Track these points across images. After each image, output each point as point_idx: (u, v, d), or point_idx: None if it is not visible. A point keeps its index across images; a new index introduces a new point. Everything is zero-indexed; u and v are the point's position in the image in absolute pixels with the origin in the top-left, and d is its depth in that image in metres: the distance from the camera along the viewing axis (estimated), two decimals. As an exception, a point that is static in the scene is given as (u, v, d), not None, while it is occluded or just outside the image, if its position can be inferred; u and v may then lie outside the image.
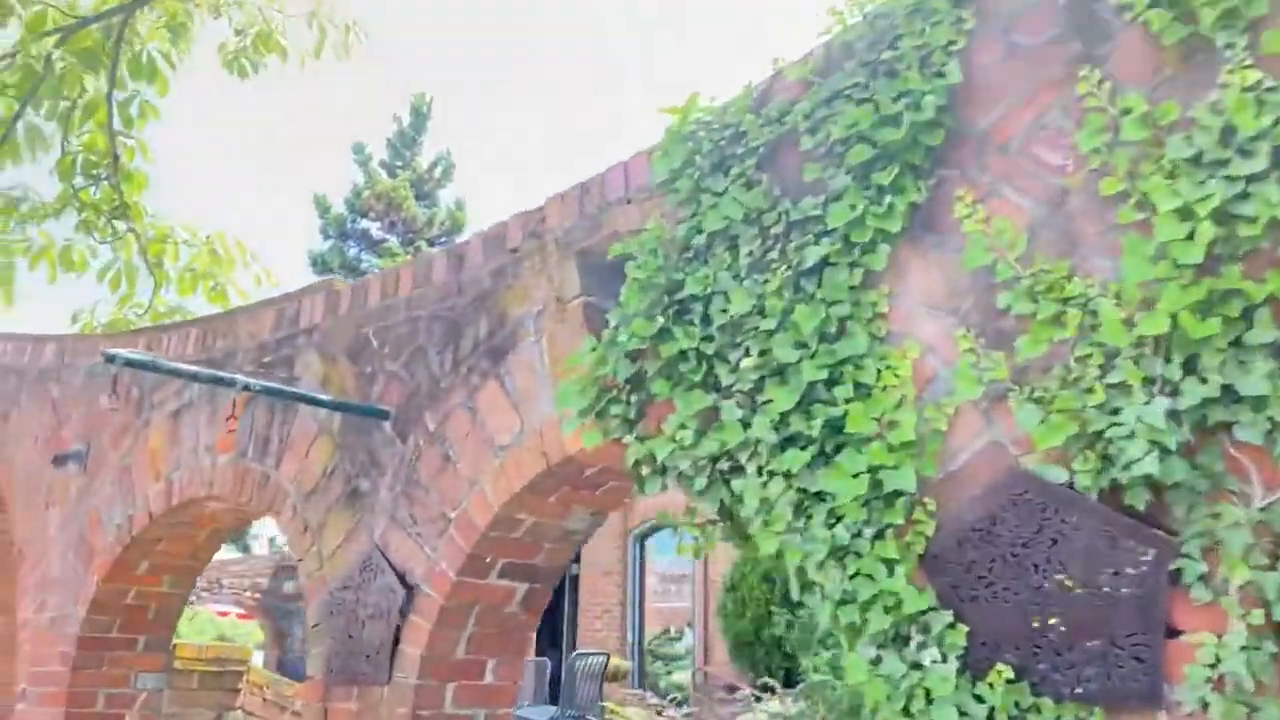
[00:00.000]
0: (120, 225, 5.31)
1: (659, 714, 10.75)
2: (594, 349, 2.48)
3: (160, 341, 4.54)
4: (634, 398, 2.43)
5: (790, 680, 9.18)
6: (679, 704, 11.44)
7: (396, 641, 2.96)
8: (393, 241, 15.17)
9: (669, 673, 13.01)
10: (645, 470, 2.42)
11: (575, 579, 14.90)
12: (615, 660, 11.65)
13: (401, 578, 3.01)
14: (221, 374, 3.08)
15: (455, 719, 2.99)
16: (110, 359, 2.71)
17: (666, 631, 13.62)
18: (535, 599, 3.19)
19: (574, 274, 2.68)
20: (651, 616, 13.95)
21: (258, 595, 18.44)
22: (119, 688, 4.50)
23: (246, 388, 3.04)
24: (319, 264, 15.67)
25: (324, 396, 3.29)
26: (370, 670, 2.98)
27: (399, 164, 13.29)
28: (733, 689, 10.75)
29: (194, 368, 3.09)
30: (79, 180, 5.42)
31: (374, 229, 13.34)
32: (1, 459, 5.49)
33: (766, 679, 8.79)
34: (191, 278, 5.76)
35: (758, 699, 7.60)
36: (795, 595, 2.10)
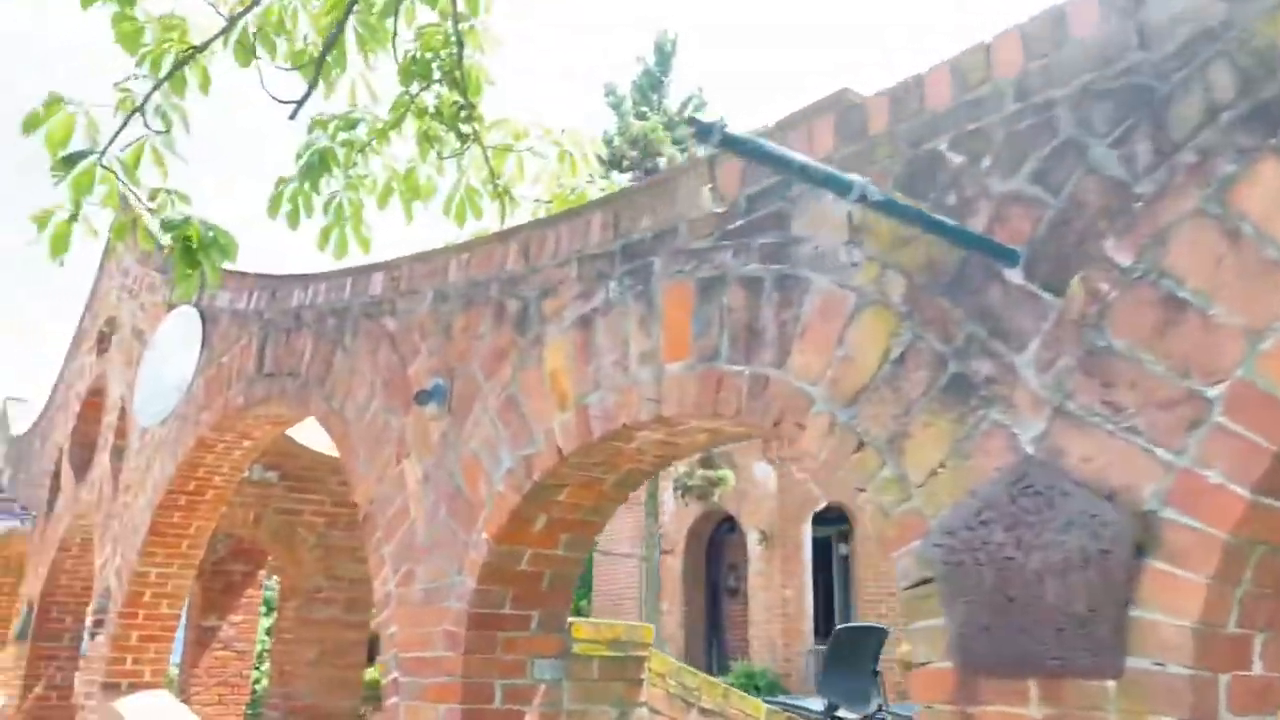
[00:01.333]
0: (465, 130, 4.44)
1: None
2: None
3: (542, 240, 3.57)
4: None
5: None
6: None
7: (1124, 604, 1.77)
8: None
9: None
10: None
11: (846, 559, 13.61)
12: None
13: (1109, 500, 1.83)
14: (836, 173, 1.97)
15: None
16: (705, 131, 1.63)
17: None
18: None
19: None
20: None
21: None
22: (515, 677, 3.57)
23: (863, 197, 1.91)
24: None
25: (950, 223, 2.13)
26: (1071, 653, 1.81)
27: (645, 108, 12.40)
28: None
29: (806, 159, 2.00)
30: (414, 88, 4.58)
31: (626, 179, 12.45)
32: (330, 411, 4.74)
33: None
34: (545, 195, 4.84)
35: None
36: None
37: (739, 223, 2.77)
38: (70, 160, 4.11)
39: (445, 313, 4.04)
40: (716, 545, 14.98)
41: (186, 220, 4.48)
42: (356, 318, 4.72)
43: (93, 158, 4.15)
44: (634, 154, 11.36)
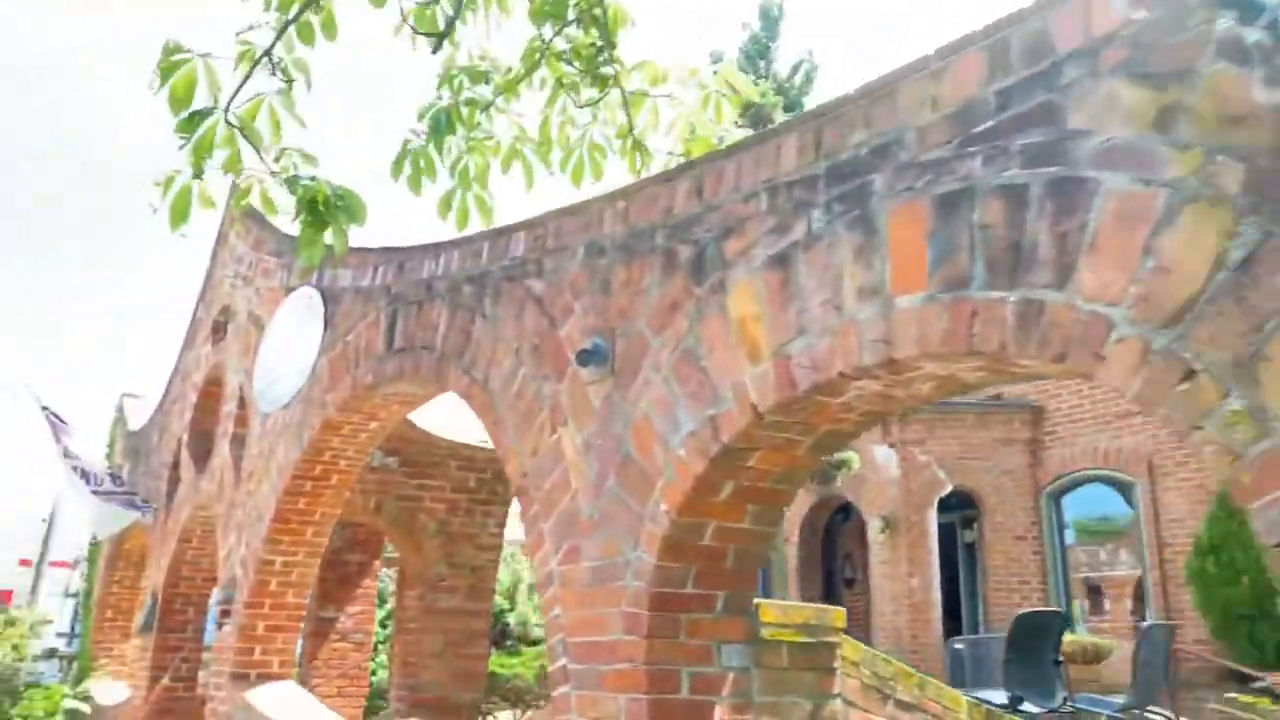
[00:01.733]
0: (606, 72, 4.08)
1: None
2: None
3: (718, 174, 3.18)
4: None
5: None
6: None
7: None
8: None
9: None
10: None
11: (971, 546, 12.97)
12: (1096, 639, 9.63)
13: None
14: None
15: None
16: None
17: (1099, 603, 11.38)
18: None
19: None
20: (1075, 587, 11.76)
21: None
22: (701, 665, 3.19)
23: (1275, 23, 1.47)
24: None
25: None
26: None
27: (753, 75, 11.96)
28: (1247, 678, 8.44)
29: None
30: (547, 31, 4.23)
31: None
32: (471, 382, 4.43)
33: None
34: (685, 145, 4.46)
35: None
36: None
37: (988, 124, 2.33)
38: (194, 119, 3.86)
39: (602, 267, 3.68)
40: (830, 534, 14.46)
41: (313, 182, 4.22)
42: (497, 282, 4.40)
43: (216, 115, 3.91)
44: (744, 120, 10.92)
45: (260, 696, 6.40)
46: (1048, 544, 11.61)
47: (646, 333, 3.36)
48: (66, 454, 9.98)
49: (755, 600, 3.35)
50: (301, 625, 6.98)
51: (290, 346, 6.81)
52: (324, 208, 4.20)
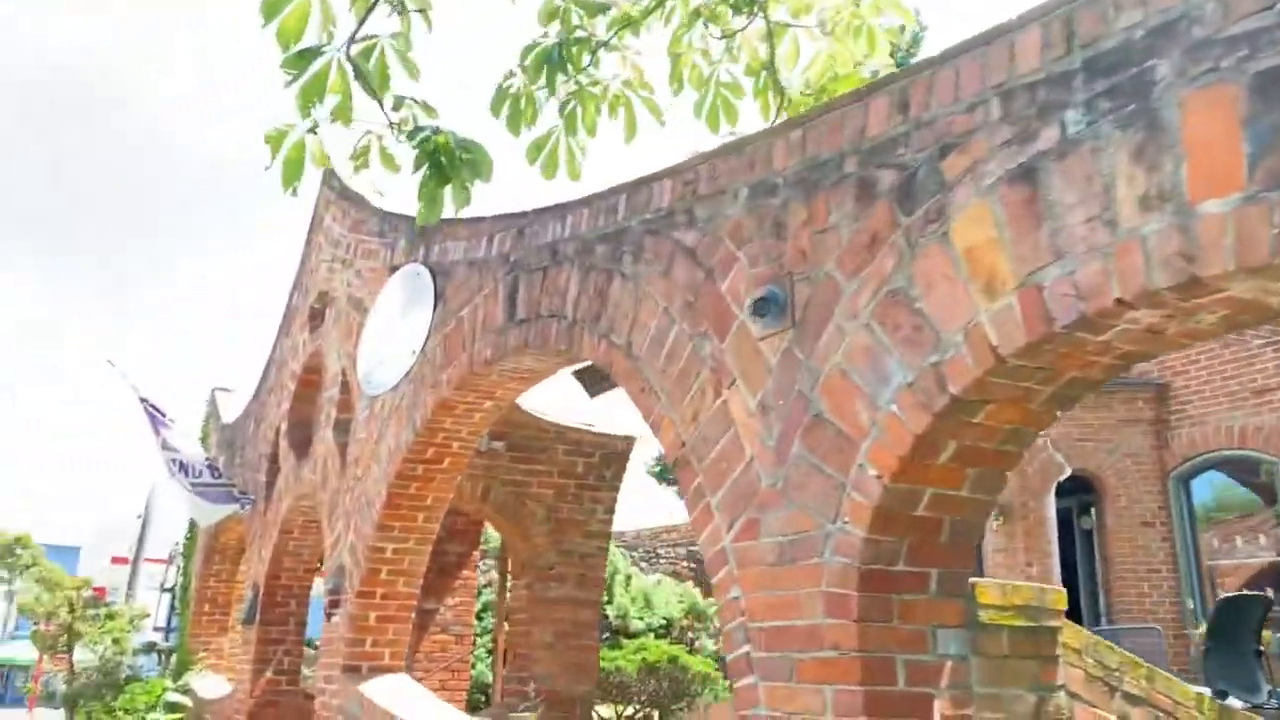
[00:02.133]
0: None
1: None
2: None
3: (928, 86, 2.75)
4: None
5: None
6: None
7: None
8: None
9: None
10: None
11: (1089, 533, 12.27)
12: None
13: None
14: None
15: None
16: None
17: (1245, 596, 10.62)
18: None
19: None
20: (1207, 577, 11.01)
21: (693, 564, 17.48)
22: (916, 652, 2.77)
23: None
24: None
25: None
26: None
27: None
28: None
29: None
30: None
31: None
32: (611, 347, 4.07)
33: None
34: (824, 81, 4.06)
35: None
36: None
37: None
38: (304, 57, 3.54)
39: (773, 208, 3.28)
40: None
41: (437, 133, 3.89)
42: (637, 238, 4.03)
43: (330, 53, 3.58)
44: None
45: (375, 689, 6.15)
46: (1177, 530, 10.88)
47: (837, 276, 2.95)
48: (165, 446, 9.91)
49: (971, 579, 2.92)
50: (411, 616, 6.71)
51: (396, 327, 6.54)
52: (447, 161, 3.87)
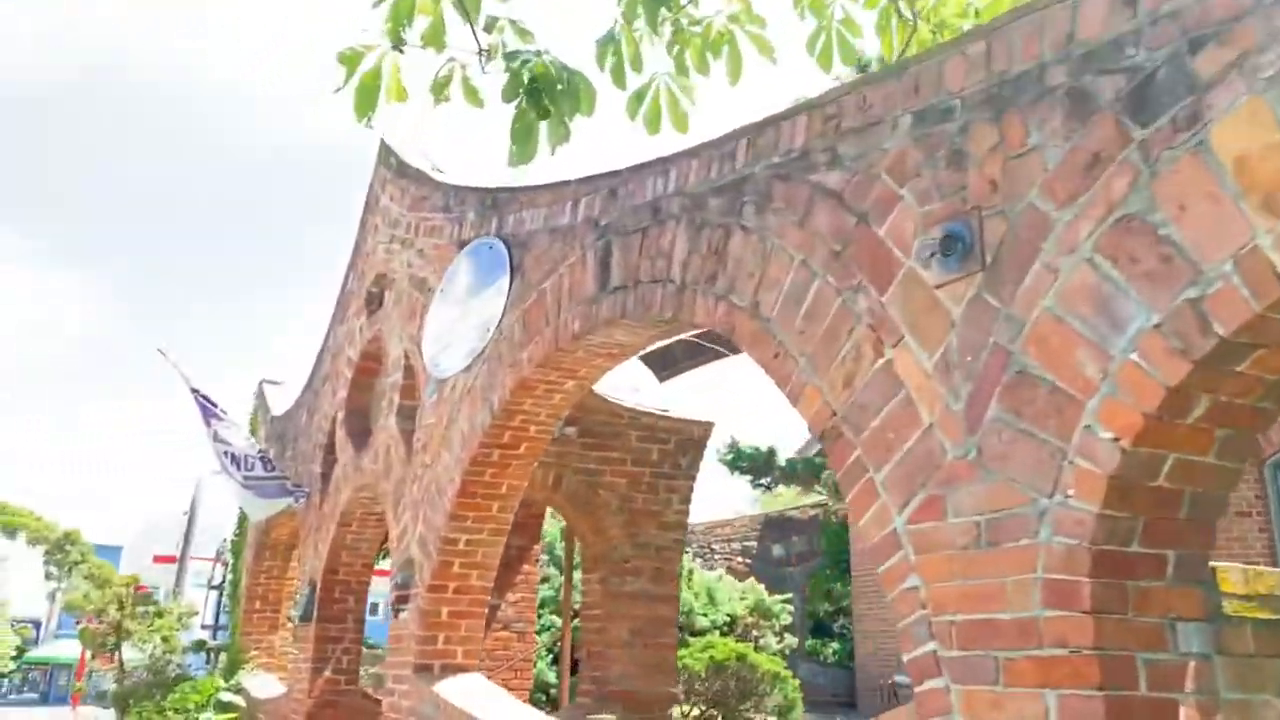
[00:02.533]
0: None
1: None
2: None
3: (1069, 14, 2.29)
4: None
5: None
6: None
7: None
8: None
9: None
10: None
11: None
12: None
13: None
14: None
15: None
16: None
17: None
18: None
19: None
20: (1307, 570, 10.39)
21: (748, 560, 17.03)
22: (1156, 650, 2.31)
23: None
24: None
25: None
26: None
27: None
28: None
29: None
30: None
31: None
32: (733, 309, 3.63)
33: None
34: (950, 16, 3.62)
35: None
36: None
37: None
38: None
39: (947, 134, 2.83)
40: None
41: (537, 58, 3.48)
42: (763, 186, 3.59)
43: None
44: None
45: (450, 690, 5.76)
46: (1275, 519, 10.27)
47: (1043, 206, 2.50)
48: (216, 438, 9.61)
49: (1211, 564, 2.46)
50: (484, 611, 6.33)
51: (467, 305, 6.15)
52: (545, 91, 3.46)
